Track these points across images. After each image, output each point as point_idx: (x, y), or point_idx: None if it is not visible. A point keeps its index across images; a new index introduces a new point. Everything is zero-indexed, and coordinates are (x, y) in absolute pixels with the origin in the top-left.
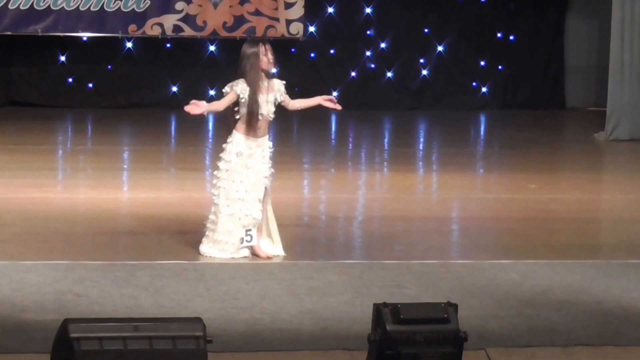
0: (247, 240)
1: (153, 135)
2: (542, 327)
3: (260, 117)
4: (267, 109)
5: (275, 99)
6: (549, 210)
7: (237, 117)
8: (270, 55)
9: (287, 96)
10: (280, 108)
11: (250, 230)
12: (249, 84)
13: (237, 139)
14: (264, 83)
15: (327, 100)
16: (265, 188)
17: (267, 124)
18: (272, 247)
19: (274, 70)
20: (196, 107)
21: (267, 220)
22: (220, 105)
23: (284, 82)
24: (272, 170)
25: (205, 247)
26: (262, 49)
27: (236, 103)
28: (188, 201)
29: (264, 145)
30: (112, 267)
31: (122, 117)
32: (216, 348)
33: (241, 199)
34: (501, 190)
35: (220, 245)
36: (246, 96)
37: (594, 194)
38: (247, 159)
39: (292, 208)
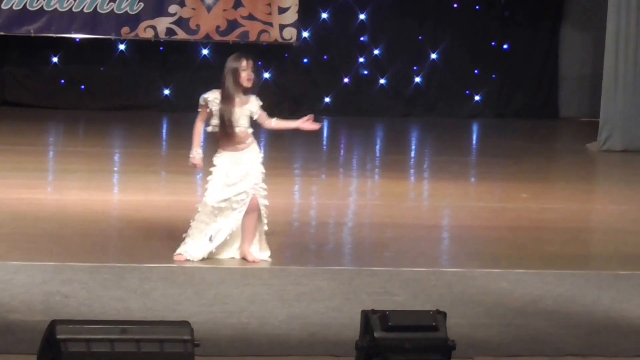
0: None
1: (145, 138)
2: (531, 336)
3: (235, 128)
4: (240, 121)
5: (250, 112)
6: (540, 220)
7: (213, 129)
8: (250, 72)
9: (263, 114)
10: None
11: (219, 231)
12: (224, 96)
13: (222, 156)
14: (240, 98)
15: (306, 122)
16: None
17: (246, 137)
18: (259, 252)
19: (248, 85)
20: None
21: (253, 229)
22: (198, 127)
23: (261, 102)
24: (263, 191)
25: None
26: (243, 64)
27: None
28: (178, 204)
29: (250, 158)
30: (101, 269)
31: (114, 119)
32: (204, 352)
33: (218, 213)
34: (493, 199)
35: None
36: (217, 108)
37: (586, 204)
38: (233, 175)
39: (282, 213)
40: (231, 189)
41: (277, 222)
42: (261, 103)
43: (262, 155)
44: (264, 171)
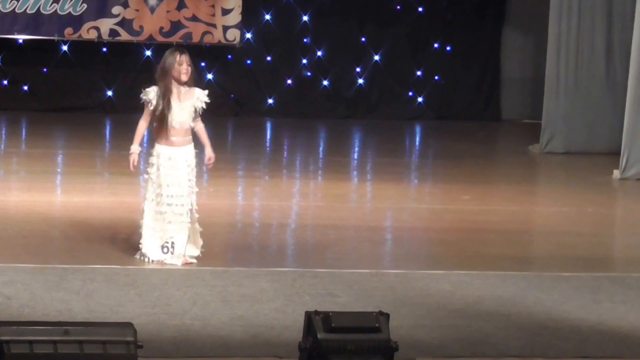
0: (171, 252)
1: (87, 139)
2: (472, 338)
3: (175, 123)
4: (180, 115)
5: (195, 108)
6: (481, 222)
7: (155, 125)
8: (185, 66)
9: (198, 114)
10: None
11: (173, 241)
12: (160, 91)
13: (158, 150)
14: (178, 90)
15: (208, 162)
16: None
17: (185, 132)
18: (193, 249)
19: (185, 79)
20: (132, 162)
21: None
22: (141, 125)
23: (207, 99)
24: (195, 187)
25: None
26: (177, 58)
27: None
28: (121, 206)
29: (187, 155)
30: (44, 270)
31: (56, 120)
32: (147, 353)
33: (163, 211)
34: (434, 201)
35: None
36: (155, 102)
37: (527, 206)
38: (170, 170)
39: (225, 214)
40: (170, 189)
41: (220, 224)
42: (207, 100)
43: (196, 152)
44: (195, 170)
